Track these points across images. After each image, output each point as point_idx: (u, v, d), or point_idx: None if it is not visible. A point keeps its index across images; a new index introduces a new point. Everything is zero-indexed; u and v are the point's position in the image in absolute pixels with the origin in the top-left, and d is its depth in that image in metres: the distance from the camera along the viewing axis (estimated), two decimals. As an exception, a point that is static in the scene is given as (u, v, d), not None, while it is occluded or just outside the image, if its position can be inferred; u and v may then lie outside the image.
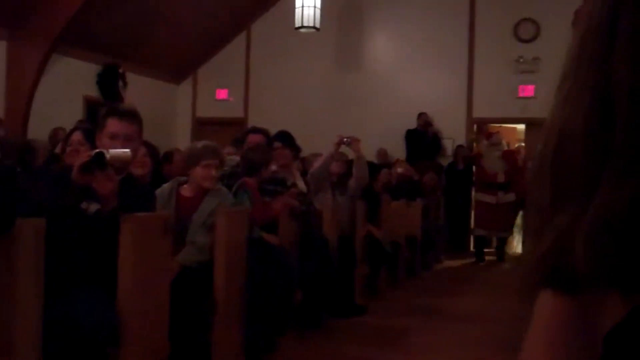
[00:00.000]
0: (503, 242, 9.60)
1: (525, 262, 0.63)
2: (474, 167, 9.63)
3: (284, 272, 3.97)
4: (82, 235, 2.54)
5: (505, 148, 9.54)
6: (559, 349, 0.63)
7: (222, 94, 11.32)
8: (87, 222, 2.54)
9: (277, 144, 5.05)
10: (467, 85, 10.28)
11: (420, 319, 5.32)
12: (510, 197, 9.39)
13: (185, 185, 3.63)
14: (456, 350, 4.46)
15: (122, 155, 2.56)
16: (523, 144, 10.52)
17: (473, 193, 9.49)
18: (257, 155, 4.38)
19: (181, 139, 10.84)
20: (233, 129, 10.42)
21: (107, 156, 2.43)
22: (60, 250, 2.41)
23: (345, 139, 5.57)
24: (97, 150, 2.45)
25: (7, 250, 2.02)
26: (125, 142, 2.75)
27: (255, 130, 4.88)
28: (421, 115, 10.03)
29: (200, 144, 3.72)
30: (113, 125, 2.79)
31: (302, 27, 9.17)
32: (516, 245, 10.63)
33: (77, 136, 3.84)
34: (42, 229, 2.12)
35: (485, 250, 9.32)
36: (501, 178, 9.24)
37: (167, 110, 11.09)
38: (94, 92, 9.23)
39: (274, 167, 4.50)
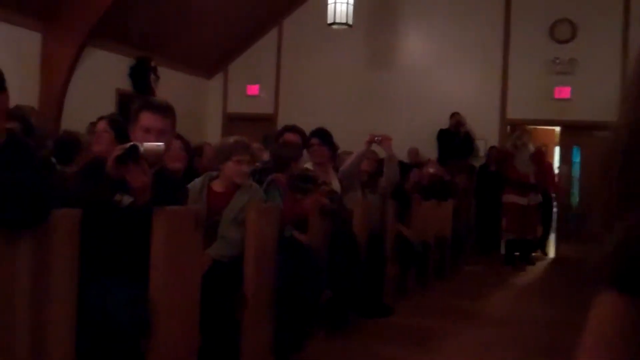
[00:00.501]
0: (531, 245, 9.48)
1: (586, 264, 0.62)
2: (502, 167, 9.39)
3: (314, 271, 3.94)
4: (115, 227, 2.54)
5: (532, 149, 9.38)
6: (617, 349, 0.63)
7: (252, 89, 11.33)
8: (120, 215, 2.53)
9: (314, 141, 5.01)
10: (502, 86, 10.16)
11: (448, 321, 5.27)
12: (539, 198, 9.28)
13: (216, 180, 3.63)
14: (483, 354, 4.41)
15: (156, 149, 2.54)
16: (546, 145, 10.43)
17: (504, 195, 9.28)
18: (286, 151, 4.36)
19: (211, 134, 10.88)
20: (263, 125, 10.44)
21: (142, 149, 2.42)
22: (93, 242, 2.41)
23: (376, 138, 5.53)
24: (132, 143, 2.44)
25: (43, 240, 2.02)
26: (159, 135, 2.74)
27: (292, 129, 4.83)
28: (454, 115, 9.93)
29: (231, 139, 3.70)
30: (147, 118, 2.78)
31: (335, 23, 9.14)
32: (548, 248, 10.51)
33: (102, 124, 3.91)
34: (77, 220, 2.12)
35: (516, 253, 9.19)
36: (532, 179, 9.12)
37: (198, 105, 11.14)
38: (126, 85, 9.30)
39: (306, 164, 4.46)
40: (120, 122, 4.01)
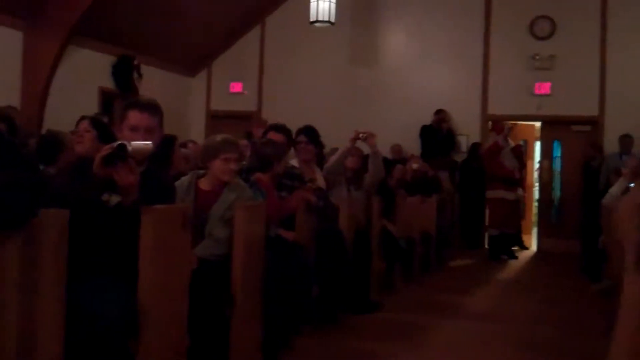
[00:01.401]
0: (514, 240, 9.57)
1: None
2: (487, 163, 9.41)
3: (301, 268, 3.96)
4: (103, 227, 2.53)
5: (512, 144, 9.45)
6: None
7: (236, 87, 11.31)
8: (108, 214, 2.53)
9: (301, 138, 5.00)
10: (482, 82, 10.23)
11: (433, 316, 5.31)
12: (522, 193, 9.37)
13: (203, 179, 3.62)
14: (470, 348, 4.45)
15: (144, 148, 2.54)
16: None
17: (489, 190, 9.31)
18: (269, 150, 4.32)
19: (195, 132, 10.85)
20: (247, 122, 10.42)
21: (129, 148, 2.41)
22: (81, 241, 2.40)
23: (361, 134, 5.55)
24: (119, 142, 2.43)
25: (31, 240, 2.02)
26: (146, 134, 2.73)
27: (278, 128, 4.77)
28: (439, 112, 9.97)
29: (219, 137, 3.68)
30: (134, 117, 2.78)
31: (317, 21, 9.16)
32: (529, 242, 10.61)
33: (83, 124, 3.91)
34: (65, 220, 2.11)
35: (499, 248, 9.25)
36: (517, 174, 9.19)
37: (181, 102, 11.09)
38: (109, 83, 9.24)
39: (292, 162, 4.45)
40: (103, 122, 4.01)
